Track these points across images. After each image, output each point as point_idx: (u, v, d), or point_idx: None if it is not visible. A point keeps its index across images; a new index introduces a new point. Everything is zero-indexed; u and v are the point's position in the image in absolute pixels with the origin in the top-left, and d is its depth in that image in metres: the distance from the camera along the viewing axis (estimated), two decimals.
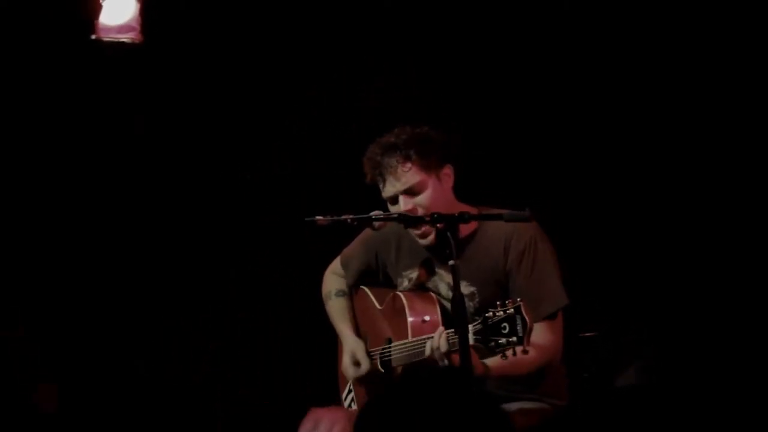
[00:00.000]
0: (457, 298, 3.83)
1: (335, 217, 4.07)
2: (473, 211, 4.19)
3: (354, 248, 4.62)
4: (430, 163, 4.20)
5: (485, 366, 4.04)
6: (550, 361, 4.23)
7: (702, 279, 5.48)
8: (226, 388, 6.10)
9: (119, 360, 6.00)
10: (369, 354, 4.48)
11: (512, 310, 3.83)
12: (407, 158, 4.18)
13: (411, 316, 4.26)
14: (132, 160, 5.97)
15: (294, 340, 6.05)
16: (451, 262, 3.85)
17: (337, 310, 4.64)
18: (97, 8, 5.60)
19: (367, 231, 4.38)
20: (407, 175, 4.18)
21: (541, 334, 4.10)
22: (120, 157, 5.96)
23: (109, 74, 5.83)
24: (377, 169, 4.22)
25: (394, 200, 4.23)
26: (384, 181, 4.23)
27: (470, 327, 3.90)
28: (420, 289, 4.36)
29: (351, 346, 4.51)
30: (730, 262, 5.47)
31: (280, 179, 6.05)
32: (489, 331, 3.86)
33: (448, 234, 3.89)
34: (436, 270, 4.34)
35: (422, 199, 4.18)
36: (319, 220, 4.08)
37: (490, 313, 3.87)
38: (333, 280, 4.70)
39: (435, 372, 3.28)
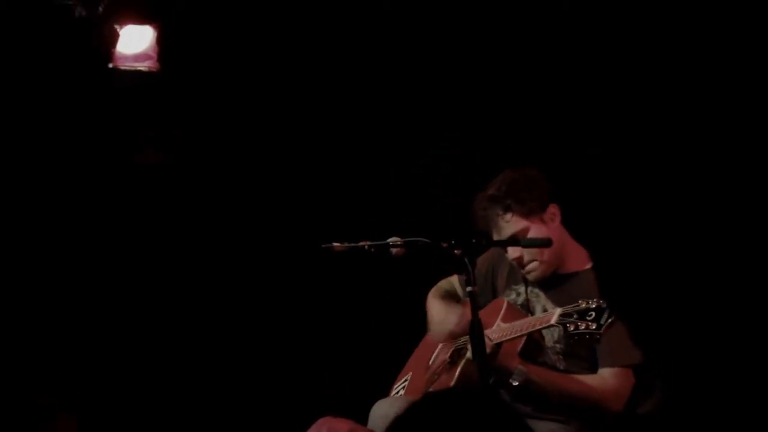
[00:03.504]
0: (475, 323, 3.82)
1: (352, 244, 4.09)
2: (585, 255, 4.37)
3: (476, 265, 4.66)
4: (530, 209, 4.29)
5: (527, 366, 4.13)
6: (603, 402, 4.20)
7: (719, 303, 5.43)
8: (232, 396, 6.08)
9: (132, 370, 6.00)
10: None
11: (605, 304, 3.90)
12: (507, 209, 4.28)
13: (502, 320, 4.29)
14: (145, 186, 5.98)
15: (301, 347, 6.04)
16: (469, 289, 3.88)
17: (437, 295, 4.67)
18: (114, 37, 5.63)
19: (491, 250, 4.50)
20: (508, 225, 4.28)
21: (612, 376, 4.17)
22: (135, 180, 5.97)
23: (125, 102, 5.84)
24: (483, 221, 4.33)
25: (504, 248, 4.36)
26: (490, 232, 4.32)
27: (558, 309, 4.01)
28: (524, 308, 4.42)
29: (450, 305, 4.54)
30: (746, 288, 5.42)
31: (289, 194, 6.06)
32: (575, 314, 3.93)
33: (466, 260, 3.90)
34: (539, 293, 4.40)
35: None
36: (336, 246, 4.11)
37: (583, 302, 3.94)
38: (449, 282, 4.73)
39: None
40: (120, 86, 5.72)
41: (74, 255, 5.96)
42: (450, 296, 4.70)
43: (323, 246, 4.12)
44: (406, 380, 4.69)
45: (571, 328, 3.92)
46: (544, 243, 4.14)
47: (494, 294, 4.58)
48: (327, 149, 6.01)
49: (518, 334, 4.15)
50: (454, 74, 5.80)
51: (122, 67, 5.63)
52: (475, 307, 3.85)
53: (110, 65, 5.62)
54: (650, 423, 4.79)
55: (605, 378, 4.18)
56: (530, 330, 4.14)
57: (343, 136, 5.97)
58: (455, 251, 3.99)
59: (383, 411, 4.29)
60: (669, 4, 5.41)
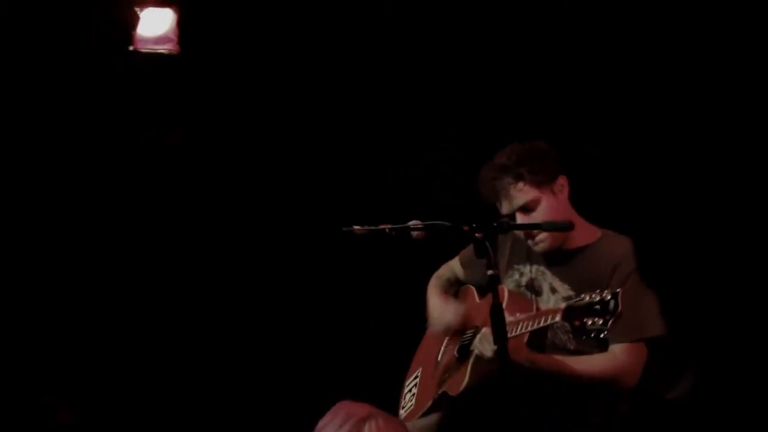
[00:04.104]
0: (496, 308, 3.79)
1: (372, 227, 4.07)
2: (591, 228, 4.33)
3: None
4: (542, 179, 4.26)
5: (535, 356, 4.13)
6: (616, 381, 4.20)
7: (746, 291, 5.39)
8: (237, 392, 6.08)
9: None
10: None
11: (609, 295, 3.83)
12: (519, 178, 4.25)
13: (506, 311, 4.17)
14: (165, 169, 5.97)
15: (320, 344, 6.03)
16: (490, 272, 3.83)
17: (438, 285, 4.69)
18: (134, 20, 5.63)
19: None
20: (520, 194, 4.26)
21: (622, 352, 4.14)
22: (153, 166, 5.97)
23: (145, 85, 5.83)
24: (491, 191, 4.30)
25: (513, 219, 4.31)
26: (499, 201, 4.30)
27: (563, 304, 3.97)
28: (527, 290, 4.40)
29: (448, 303, 4.56)
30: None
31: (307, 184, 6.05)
32: (580, 310, 3.87)
33: (487, 244, 3.86)
34: (545, 271, 4.38)
35: (538, 214, 4.25)
36: (357, 230, 4.09)
37: (586, 296, 3.89)
38: (448, 269, 4.74)
39: None
40: (140, 69, 5.72)
41: (75, 250, 5.96)
42: (450, 285, 4.70)
43: (344, 229, 4.09)
44: (416, 377, 4.69)
45: (577, 324, 3.87)
46: (565, 227, 4.13)
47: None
48: (327, 150, 6.01)
49: (523, 331, 4.11)
50: (453, 74, 5.80)
51: (142, 50, 5.62)
52: (496, 291, 3.80)
53: (130, 48, 5.62)
54: (679, 409, 4.76)
55: (616, 355, 4.15)
56: (535, 327, 4.09)
57: (343, 137, 5.97)
58: (476, 234, 3.97)
59: None
60: (669, 4, 5.38)
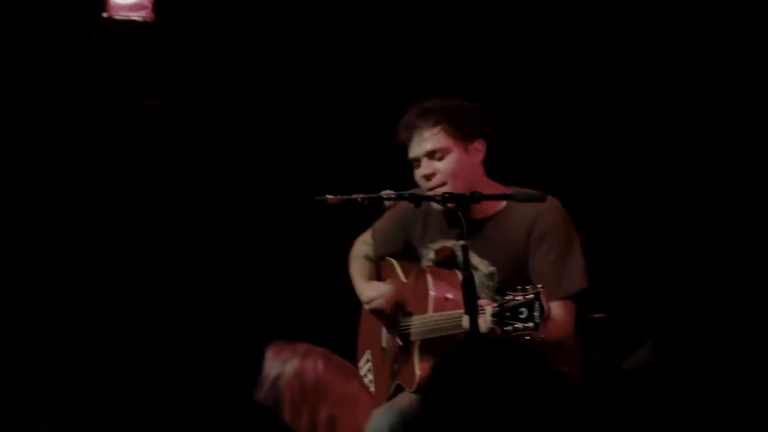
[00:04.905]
0: (468, 277, 3.82)
1: (345, 197, 4.08)
2: (504, 190, 4.23)
3: (385, 220, 4.61)
4: (459, 133, 4.23)
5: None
6: (559, 338, 4.16)
7: (709, 262, 5.46)
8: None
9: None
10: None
11: (532, 295, 3.80)
12: (437, 122, 4.22)
13: (434, 291, 4.23)
14: (140, 144, 5.98)
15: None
16: (461, 242, 3.85)
17: (360, 268, 4.62)
18: None
19: (400, 204, 4.39)
20: (433, 138, 4.22)
21: (553, 311, 4.05)
22: (129, 142, 5.97)
23: (120, 52, 5.82)
24: (408, 129, 4.27)
25: (418, 162, 4.26)
26: (411, 141, 4.27)
27: (488, 309, 3.90)
28: (446, 264, 4.33)
29: (374, 285, 4.51)
30: (736, 247, 5.46)
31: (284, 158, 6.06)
32: (506, 315, 3.84)
33: (459, 214, 3.88)
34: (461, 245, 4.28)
35: (443, 164, 4.20)
36: (329, 199, 4.08)
37: (510, 296, 3.85)
38: (363, 246, 4.67)
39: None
40: (114, 36, 5.71)
41: (73, 246, 5.96)
42: (370, 260, 4.63)
43: (317, 198, 4.10)
44: (368, 360, 4.63)
45: (509, 329, 3.83)
46: (536, 197, 4.06)
47: (408, 250, 4.50)
48: (323, 149, 6.00)
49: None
50: (454, 74, 5.79)
51: (117, 17, 5.61)
52: (467, 263, 3.83)
53: (104, 15, 5.61)
54: (637, 378, 4.80)
55: (553, 314, 4.01)
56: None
57: (340, 136, 5.97)
58: (448, 204, 4.01)
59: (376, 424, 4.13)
60: (669, 4, 5.41)
